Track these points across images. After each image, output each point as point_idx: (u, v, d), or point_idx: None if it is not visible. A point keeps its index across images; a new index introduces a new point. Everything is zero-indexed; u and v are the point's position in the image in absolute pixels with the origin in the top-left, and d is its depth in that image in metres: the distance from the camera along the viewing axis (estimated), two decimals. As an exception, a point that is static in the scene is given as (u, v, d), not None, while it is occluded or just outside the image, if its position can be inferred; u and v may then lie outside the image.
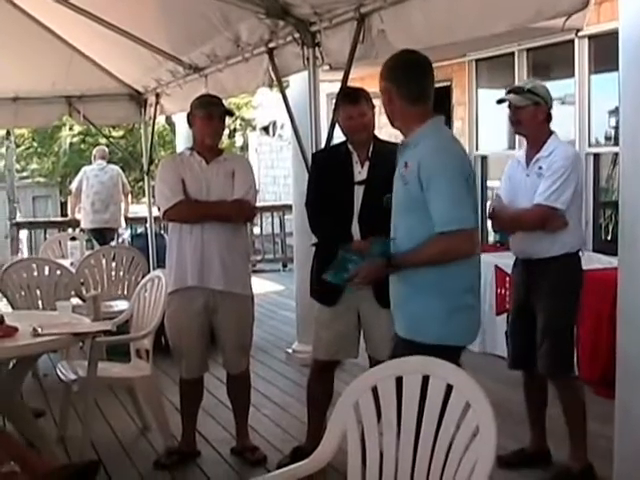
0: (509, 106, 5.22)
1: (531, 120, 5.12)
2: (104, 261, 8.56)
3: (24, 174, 33.51)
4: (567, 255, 5.09)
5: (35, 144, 32.50)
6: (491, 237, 10.31)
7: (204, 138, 5.49)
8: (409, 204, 3.85)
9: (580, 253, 5.23)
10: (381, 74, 3.97)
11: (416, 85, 3.92)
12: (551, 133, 5.17)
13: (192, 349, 5.55)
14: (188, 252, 5.43)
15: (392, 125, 4.06)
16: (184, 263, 5.45)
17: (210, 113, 5.44)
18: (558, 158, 5.02)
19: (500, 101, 5.28)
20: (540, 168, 5.07)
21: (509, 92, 5.27)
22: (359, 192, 5.02)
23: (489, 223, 10.52)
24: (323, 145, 6.12)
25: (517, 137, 10.15)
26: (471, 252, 3.85)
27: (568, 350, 5.16)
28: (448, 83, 11.57)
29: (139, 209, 15.72)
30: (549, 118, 5.18)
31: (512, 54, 10.23)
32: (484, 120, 11.28)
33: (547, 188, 4.98)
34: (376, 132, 5.18)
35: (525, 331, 5.21)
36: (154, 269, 9.12)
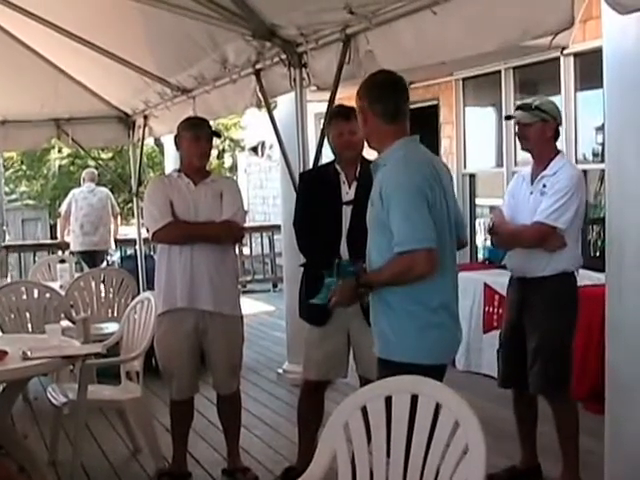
0: (516, 123, 5.23)
1: (538, 137, 5.11)
2: (93, 283, 8.55)
3: (13, 197, 33.43)
4: (562, 275, 5.08)
5: (24, 167, 32.44)
6: (480, 254, 10.34)
7: (191, 160, 5.51)
8: (376, 224, 3.89)
9: (575, 273, 5.21)
10: (358, 94, 4.01)
11: (392, 104, 3.95)
12: (558, 152, 5.17)
13: (182, 370, 5.54)
14: (177, 273, 5.43)
15: (369, 146, 4.11)
16: (173, 284, 5.45)
17: (197, 135, 5.46)
18: (562, 178, 5.02)
19: (508, 117, 5.28)
20: (544, 186, 5.07)
21: (517, 109, 5.29)
22: (347, 212, 5.04)
23: (478, 239, 10.65)
24: (311, 164, 6.14)
25: (505, 155, 10.22)
26: (428, 272, 3.76)
27: (562, 370, 5.11)
28: (435, 102, 11.61)
29: (129, 231, 15.70)
30: (556, 135, 5.18)
31: (499, 72, 10.29)
32: (472, 138, 11.32)
33: (549, 207, 4.97)
34: (364, 153, 5.19)
35: (517, 350, 5.19)
36: (144, 291, 9.11)
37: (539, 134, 5.10)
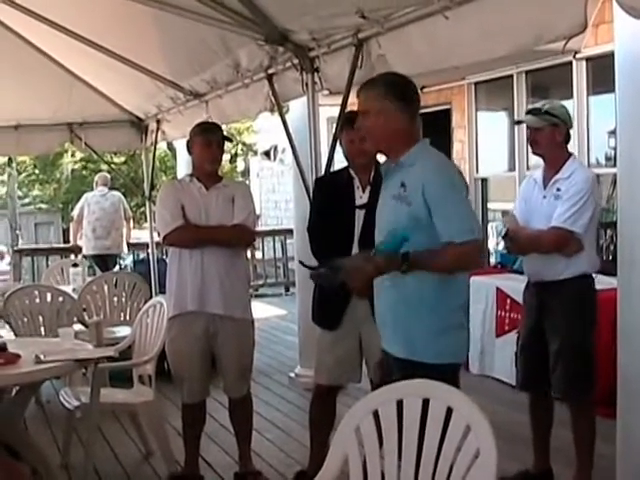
0: (527, 127, 5.22)
1: (549, 142, 5.09)
2: (106, 287, 8.58)
3: (26, 201, 33.62)
4: (581, 277, 5.06)
5: (37, 171, 32.60)
6: (492, 258, 10.33)
7: (203, 164, 5.53)
8: (412, 224, 3.80)
9: (594, 276, 5.19)
10: (375, 95, 3.92)
11: (416, 104, 3.96)
12: (570, 155, 5.16)
13: (193, 374, 5.55)
14: (188, 277, 5.45)
15: (377, 147, 4.07)
16: (184, 288, 5.47)
17: (209, 140, 5.48)
18: (578, 181, 4.98)
19: (517, 122, 5.27)
20: (558, 190, 5.04)
21: (527, 113, 5.28)
22: (360, 216, 5.03)
23: (490, 244, 10.63)
24: (323, 169, 6.14)
25: (517, 159, 10.21)
26: (480, 263, 3.91)
27: (585, 373, 5.08)
28: (448, 106, 11.61)
29: (141, 234, 15.72)
30: (567, 139, 5.16)
31: (511, 76, 10.28)
32: (484, 143, 11.31)
33: (565, 211, 4.95)
34: (379, 157, 5.19)
35: (536, 353, 5.17)
36: (156, 294, 9.15)
37: (549, 138, 5.09)
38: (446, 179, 3.83)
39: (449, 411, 3.06)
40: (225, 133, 5.75)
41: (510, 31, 4.22)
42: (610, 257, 8.54)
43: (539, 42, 4.14)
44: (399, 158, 3.91)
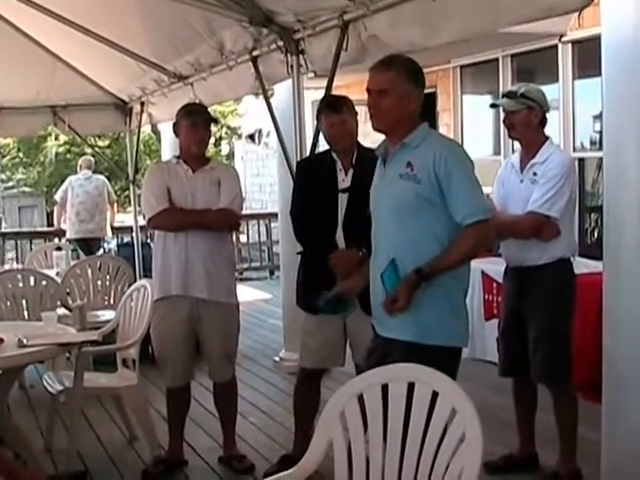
0: (503, 110, 5.20)
1: (525, 125, 5.07)
2: (90, 271, 8.54)
3: (9, 184, 33.47)
4: (559, 262, 5.05)
5: (21, 154, 32.42)
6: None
7: (190, 146, 5.49)
8: (418, 202, 3.82)
9: (572, 259, 5.19)
10: (395, 75, 3.89)
11: (424, 87, 4.03)
12: (547, 139, 5.13)
13: (176, 357, 5.54)
14: (172, 260, 5.43)
15: (384, 127, 3.99)
16: (168, 271, 5.46)
17: (195, 122, 5.44)
18: (553, 165, 4.97)
19: (493, 105, 5.24)
20: (535, 174, 5.02)
21: (503, 96, 5.25)
22: (343, 200, 5.02)
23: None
24: (308, 152, 6.12)
25: (502, 143, 10.21)
26: (493, 241, 4.05)
27: (564, 358, 5.08)
28: (433, 90, 11.60)
29: (125, 218, 15.66)
30: (544, 122, 5.14)
31: (496, 60, 10.28)
32: (469, 126, 11.32)
33: (541, 196, 4.93)
34: (361, 139, 5.18)
35: (516, 339, 5.17)
36: (140, 278, 9.10)
37: (525, 121, 5.07)
38: (458, 156, 3.88)
39: (434, 395, 3.05)
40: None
41: (517, 3, 4.18)
42: (595, 241, 8.57)
43: (549, 14, 4.10)
44: (402, 139, 3.91)
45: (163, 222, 5.46)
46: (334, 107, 5.10)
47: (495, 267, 7.46)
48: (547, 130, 5.16)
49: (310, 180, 5.27)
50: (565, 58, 9.08)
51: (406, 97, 3.89)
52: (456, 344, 3.92)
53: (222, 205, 5.43)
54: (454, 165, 3.79)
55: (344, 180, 5.09)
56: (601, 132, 8.00)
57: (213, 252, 5.46)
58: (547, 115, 5.15)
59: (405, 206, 3.86)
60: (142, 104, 9.89)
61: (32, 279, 7.77)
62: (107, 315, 7.78)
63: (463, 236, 3.79)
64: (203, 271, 5.41)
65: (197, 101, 7.59)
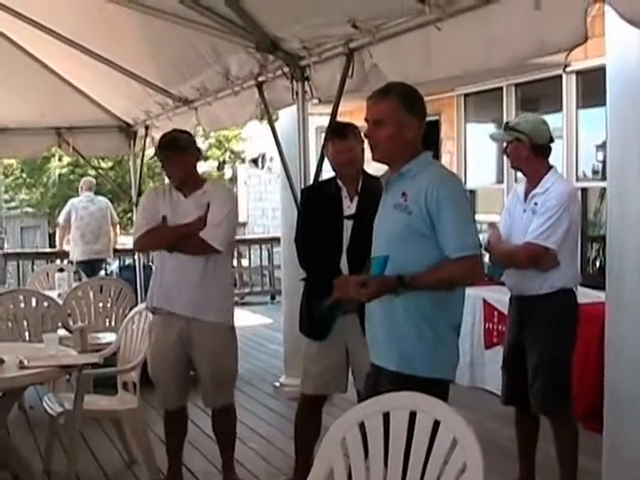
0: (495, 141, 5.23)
1: (515, 157, 5.12)
2: (91, 293, 8.54)
3: (12, 204, 33.50)
4: (560, 292, 5.03)
5: (24, 175, 32.47)
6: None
7: (170, 178, 5.56)
8: (409, 233, 3.81)
9: (575, 290, 5.17)
10: (392, 105, 3.86)
11: (425, 116, 3.98)
12: (550, 168, 5.12)
13: (168, 380, 5.52)
14: (164, 274, 5.46)
15: (384, 157, 3.97)
16: (157, 283, 5.50)
17: (166, 156, 5.46)
18: (553, 196, 4.97)
19: (491, 136, 5.29)
20: (536, 204, 5.03)
21: (500, 127, 5.29)
22: (348, 226, 5.03)
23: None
24: (312, 178, 6.13)
25: (505, 171, 10.23)
26: (479, 278, 3.91)
27: (563, 387, 5.06)
28: (437, 117, 11.62)
29: (127, 240, 15.67)
30: (545, 152, 5.13)
31: (500, 89, 10.30)
32: (472, 154, 11.32)
33: (538, 227, 4.94)
34: (366, 167, 5.18)
35: (518, 368, 5.16)
36: (142, 301, 9.09)
37: (514, 153, 5.11)
38: (451, 189, 3.83)
39: (436, 424, 3.04)
40: (198, 139, 5.66)
41: (510, 41, 4.17)
42: (598, 270, 8.56)
43: (539, 53, 4.11)
44: (403, 168, 3.89)
45: (144, 243, 5.58)
46: (340, 134, 5.11)
47: (496, 295, 7.46)
48: (551, 159, 5.15)
49: (315, 207, 5.28)
50: (569, 88, 9.11)
51: (404, 126, 3.86)
52: (440, 376, 3.86)
53: (206, 230, 5.35)
54: (446, 198, 3.75)
55: (349, 207, 5.09)
56: (604, 162, 8.03)
57: (206, 272, 5.39)
58: (552, 145, 5.15)
59: (397, 235, 3.85)
60: (146, 127, 9.91)
61: (34, 300, 7.77)
62: (108, 337, 7.77)
63: (450, 264, 3.75)
64: (188, 288, 5.36)
65: (201, 126, 7.60)
